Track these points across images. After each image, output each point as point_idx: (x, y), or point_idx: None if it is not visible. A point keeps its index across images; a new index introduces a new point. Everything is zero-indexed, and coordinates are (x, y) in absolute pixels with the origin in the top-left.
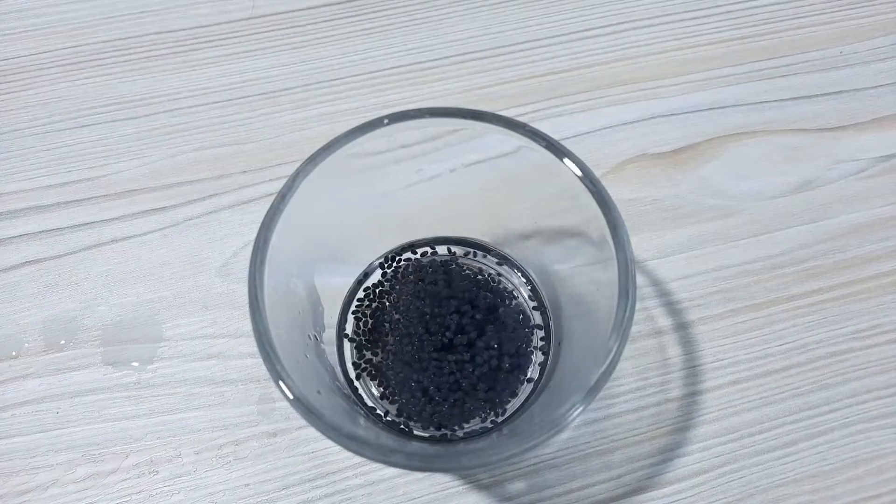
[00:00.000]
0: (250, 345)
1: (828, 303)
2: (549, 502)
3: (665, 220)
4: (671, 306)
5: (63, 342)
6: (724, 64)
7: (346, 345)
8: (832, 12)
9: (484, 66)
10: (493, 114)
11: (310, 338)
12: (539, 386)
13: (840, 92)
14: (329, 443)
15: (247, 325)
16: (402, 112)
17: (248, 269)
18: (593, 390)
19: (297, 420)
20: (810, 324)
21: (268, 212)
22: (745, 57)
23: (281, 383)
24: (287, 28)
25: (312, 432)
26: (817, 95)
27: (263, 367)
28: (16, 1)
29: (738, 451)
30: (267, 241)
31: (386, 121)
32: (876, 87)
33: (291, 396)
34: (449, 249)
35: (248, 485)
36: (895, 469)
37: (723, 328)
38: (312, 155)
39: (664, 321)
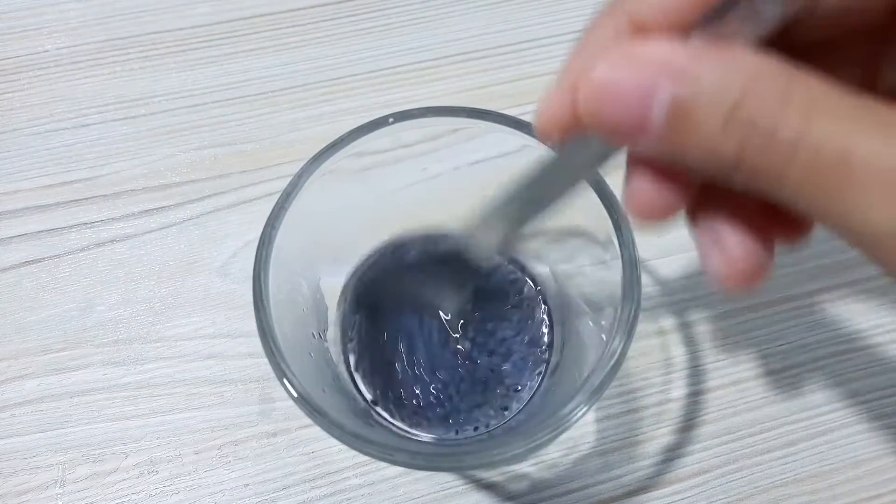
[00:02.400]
0: (250, 345)
1: (828, 303)
2: (549, 502)
3: None
4: (672, 306)
5: (62, 342)
6: None
7: (350, 343)
8: None
9: (484, 65)
10: (499, 113)
11: (314, 336)
12: (543, 385)
13: None
14: (329, 443)
15: (246, 325)
16: (406, 111)
17: (251, 268)
18: (598, 391)
19: (297, 420)
20: (810, 324)
21: (273, 210)
22: None
23: (285, 381)
24: (287, 27)
25: (312, 432)
26: None
27: (263, 367)
28: (16, 0)
29: (738, 451)
30: (272, 239)
31: (391, 120)
32: None
33: (296, 395)
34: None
35: (247, 485)
36: (895, 469)
37: (723, 328)
38: (317, 154)
39: (665, 321)
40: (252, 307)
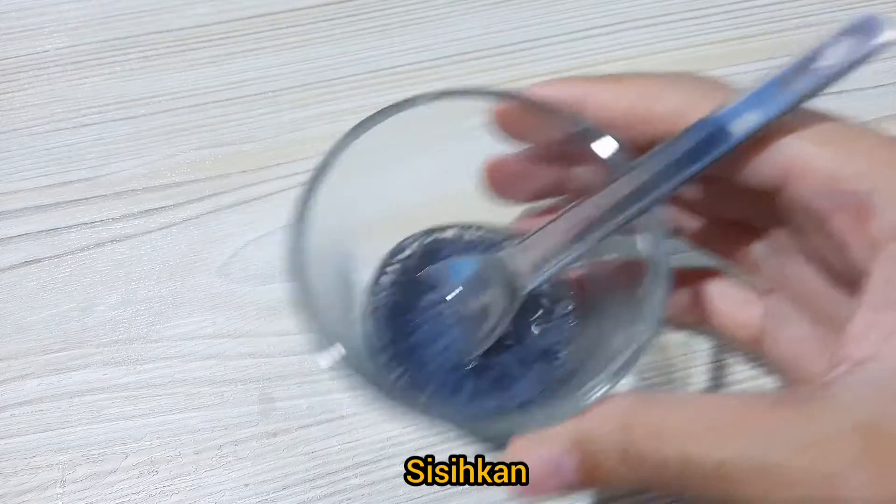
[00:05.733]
0: (250, 345)
1: None
2: (549, 502)
3: None
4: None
5: (62, 342)
6: (724, 64)
7: (378, 324)
8: (832, 12)
9: (484, 65)
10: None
11: (342, 311)
12: (564, 366)
13: (841, 92)
14: (329, 443)
15: (246, 324)
16: (447, 90)
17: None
18: (621, 370)
19: (297, 420)
20: None
21: (307, 183)
22: (745, 57)
23: (325, 352)
24: (287, 27)
25: (312, 432)
26: (818, 95)
27: (263, 367)
28: (16, 0)
29: None
30: (304, 218)
31: (427, 99)
32: (877, 86)
33: (341, 356)
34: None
35: (247, 485)
36: None
37: None
38: (354, 127)
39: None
40: (251, 307)
